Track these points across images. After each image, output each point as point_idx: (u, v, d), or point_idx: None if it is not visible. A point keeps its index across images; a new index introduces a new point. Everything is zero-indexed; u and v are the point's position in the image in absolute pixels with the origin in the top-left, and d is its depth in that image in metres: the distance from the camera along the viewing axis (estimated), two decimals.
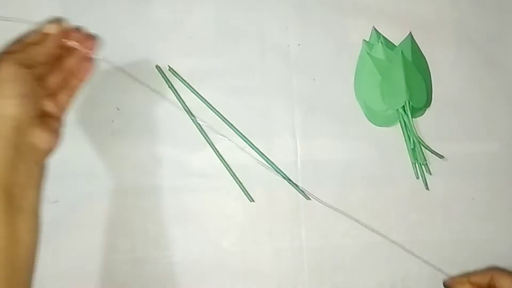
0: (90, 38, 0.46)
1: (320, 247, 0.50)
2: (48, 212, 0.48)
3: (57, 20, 0.45)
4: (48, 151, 0.41)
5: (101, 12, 0.51)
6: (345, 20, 0.53)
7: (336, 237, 0.49)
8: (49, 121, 0.42)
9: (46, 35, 0.42)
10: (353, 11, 0.53)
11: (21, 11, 0.51)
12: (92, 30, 0.51)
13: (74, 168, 0.49)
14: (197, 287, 0.48)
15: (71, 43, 0.44)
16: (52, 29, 0.42)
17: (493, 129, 0.53)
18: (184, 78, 0.51)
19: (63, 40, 0.43)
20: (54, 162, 0.49)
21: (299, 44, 0.52)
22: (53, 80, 0.44)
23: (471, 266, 0.50)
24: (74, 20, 0.51)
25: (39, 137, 0.39)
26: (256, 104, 0.51)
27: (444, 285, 0.46)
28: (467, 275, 0.45)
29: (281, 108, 0.51)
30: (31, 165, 0.39)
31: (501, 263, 0.50)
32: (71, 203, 0.49)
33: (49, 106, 0.43)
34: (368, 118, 0.51)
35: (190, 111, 0.49)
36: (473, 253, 0.50)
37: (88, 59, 0.46)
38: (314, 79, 0.52)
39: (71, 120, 0.50)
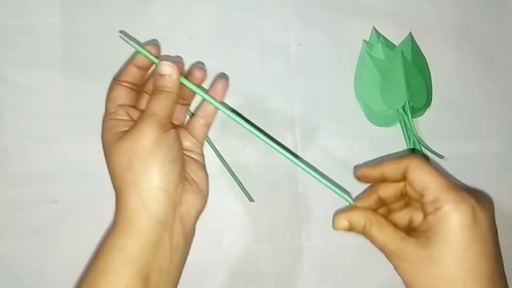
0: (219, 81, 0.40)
1: (320, 247, 0.50)
2: (48, 212, 0.49)
3: (168, 59, 0.37)
4: (199, 213, 0.37)
5: (101, 12, 0.51)
6: (345, 20, 0.53)
7: (336, 237, 0.49)
8: (196, 174, 0.37)
9: (165, 77, 0.35)
10: (353, 11, 0.53)
11: (21, 11, 0.51)
12: (92, 30, 0.51)
13: (74, 168, 0.49)
14: (197, 287, 0.48)
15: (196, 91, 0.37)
16: (167, 70, 0.35)
17: (493, 129, 0.53)
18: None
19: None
20: (54, 162, 0.49)
21: (299, 44, 0.52)
22: (181, 112, 0.39)
23: None
24: (74, 20, 0.51)
25: (192, 201, 0.35)
26: (256, 104, 0.51)
27: (355, 176, 0.38)
28: (379, 164, 0.36)
29: (281, 108, 0.51)
30: (178, 242, 0.34)
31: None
32: (71, 203, 0.49)
33: (187, 141, 0.38)
34: (368, 118, 0.52)
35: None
36: None
37: (220, 79, 0.41)
38: (314, 79, 0.52)
39: (71, 119, 0.50)
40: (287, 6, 0.53)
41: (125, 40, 0.40)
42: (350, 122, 0.51)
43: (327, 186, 0.37)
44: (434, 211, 0.31)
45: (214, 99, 0.38)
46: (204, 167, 0.39)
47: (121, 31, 0.44)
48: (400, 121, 0.50)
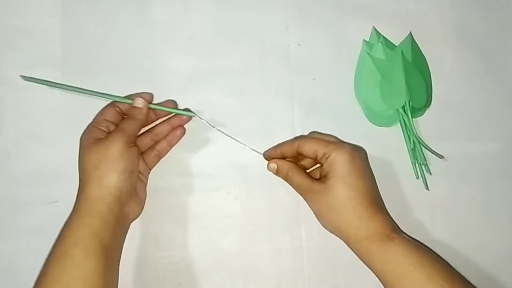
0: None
1: (320, 247, 0.50)
2: (48, 212, 0.49)
3: (144, 94, 0.48)
4: (133, 220, 0.46)
5: (101, 12, 0.51)
6: (345, 20, 0.53)
7: (336, 237, 0.49)
8: (140, 190, 0.47)
9: (135, 109, 0.46)
10: (353, 11, 0.53)
11: (21, 11, 0.51)
12: (92, 30, 0.51)
13: (74, 168, 0.49)
14: (197, 287, 0.48)
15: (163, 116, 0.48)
16: (140, 103, 0.46)
17: (493, 129, 0.53)
18: (184, 78, 0.51)
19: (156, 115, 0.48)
20: (54, 162, 0.49)
21: (299, 44, 0.52)
22: (145, 141, 0.48)
23: (472, 266, 0.50)
24: (74, 20, 0.51)
25: (133, 208, 0.45)
26: (256, 104, 0.51)
27: (264, 157, 0.48)
28: (278, 146, 0.48)
29: (281, 108, 0.51)
30: (122, 231, 0.44)
31: (501, 263, 0.50)
32: (71, 203, 0.49)
33: (141, 165, 0.47)
34: (368, 118, 0.52)
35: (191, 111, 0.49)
36: (473, 253, 0.50)
37: (180, 127, 0.49)
38: (314, 79, 0.52)
39: (71, 119, 0.50)
40: (287, 6, 0.53)
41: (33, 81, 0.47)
42: (350, 122, 0.51)
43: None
44: (325, 160, 0.44)
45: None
46: (145, 188, 0.48)
47: (22, 76, 0.47)
48: (400, 121, 0.50)
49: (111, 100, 0.47)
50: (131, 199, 0.44)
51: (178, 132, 0.48)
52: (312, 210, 0.46)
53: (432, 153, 0.49)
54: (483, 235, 0.51)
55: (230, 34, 0.52)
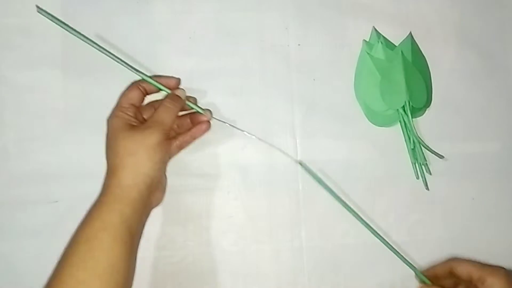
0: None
1: (320, 247, 0.50)
2: (48, 212, 0.49)
3: (173, 79, 0.48)
4: (155, 207, 0.46)
5: (101, 12, 0.51)
6: (345, 20, 0.53)
7: (336, 237, 0.49)
8: (163, 179, 0.47)
9: (176, 98, 0.45)
10: (353, 11, 0.53)
11: (21, 10, 0.51)
12: (92, 30, 0.51)
13: (74, 168, 0.49)
14: (197, 287, 0.48)
15: (200, 111, 0.47)
16: (182, 94, 0.46)
17: (493, 129, 0.53)
18: (184, 78, 0.51)
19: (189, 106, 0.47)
20: (54, 162, 0.49)
21: (299, 44, 0.52)
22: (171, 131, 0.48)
23: None
24: (74, 19, 0.51)
25: (157, 196, 0.45)
26: (256, 104, 0.51)
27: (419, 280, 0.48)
28: (432, 268, 0.48)
29: (281, 108, 0.51)
30: (146, 218, 0.44)
31: (501, 263, 0.50)
32: (71, 203, 0.49)
33: None
34: (368, 118, 0.52)
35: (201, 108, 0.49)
36: (473, 253, 0.50)
37: (207, 122, 0.48)
38: (314, 79, 0.52)
39: (71, 119, 0.50)
40: (287, 6, 0.53)
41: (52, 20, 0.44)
42: (350, 122, 0.51)
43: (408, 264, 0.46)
44: (482, 285, 0.44)
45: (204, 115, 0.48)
46: (165, 190, 0.48)
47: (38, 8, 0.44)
48: (400, 121, 0.50)
49: (145, 78, 0.45)
50: (156, 189, 0.45)
51: (204, 126, 0.48)
52: None
53: (432, 153, 0.49)
54: (483, 235, 0.51)
55: (230, 34, 0.52)
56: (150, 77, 0.46)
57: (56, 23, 0.44)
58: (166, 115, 0.44)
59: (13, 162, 0.49)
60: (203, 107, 0.48)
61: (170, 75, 0.51)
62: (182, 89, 0.46)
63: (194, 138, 0.48)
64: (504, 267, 0.46)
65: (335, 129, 0.51)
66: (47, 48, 0.51)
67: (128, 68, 0.45)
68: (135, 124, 0.44)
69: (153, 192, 0.43)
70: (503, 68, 0.54)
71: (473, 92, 0.53)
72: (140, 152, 0.42)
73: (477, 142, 0.52)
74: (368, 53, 0.51)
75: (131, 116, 0.44)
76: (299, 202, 0.50)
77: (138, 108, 0.46)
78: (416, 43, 0.52)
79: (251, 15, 0.52)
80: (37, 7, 0.43)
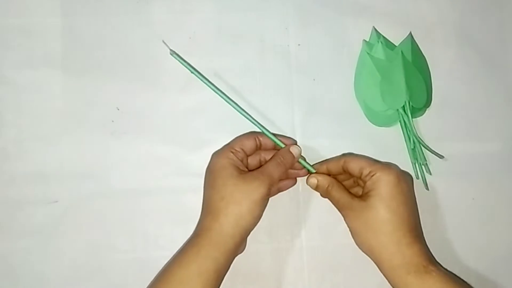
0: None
1: (320, 247, 0.50)
2: (48, 212, 0.49)
3: (291, 140, 0.48)
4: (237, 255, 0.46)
5: (101, 12, 0.51)
6: (345, 20, 0.53)
7: (336, 237, 0.49)
8: None
9: (289, 155, 0.46)
10: (353, 11, 0.53)
11: (21, 11, 0.51)
12: (92, 30, 0.51)
13: (74, 168, 0.49)
14: None
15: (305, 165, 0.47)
16: (297, 153, 0.46)
17: (493, 129, 0.53)
18: (184, 78, 0.51)
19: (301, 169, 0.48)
20: (54, 162, 0.49)
21: (299, 44, 0.52)
22: None
23: (472, 266, 0.50)
24: (74, 20, 0.51)
25: (243, 248, 0.46)
26: (256, 104, 0.51)
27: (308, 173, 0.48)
28: (325, 162, 0.48)
29: (281, 108, 0.51)
30: (229, 267, 0.44)
31: (501, 263, 0.50)
32: (71, 203, 0.49)
33: None
34: (368, 118, 0.51)
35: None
36: (473, 253, 0.50)
37: (294, 179, 0.49)
38: (314, 79, 0.52)
39: (71, 119, 0.50)
40: (287, 6, 0.53)
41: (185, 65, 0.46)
42: (350, 122, 0.51)
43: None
44: (370, 178, 0.43)
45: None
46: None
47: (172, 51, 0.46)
48: (400, 121, 0.50)
49: (264, 131, 0.46)
50: (244, 240, 0.45)
51: (291, 183, 0.49)
52: (348, 226, 0.45)
53: (432, 153, 0.49)
54: (483, 235, 0.51)
55: (230, 34, 0.52)
56: (269, 132, 0.46)
57: (186, 67, 0.46)
58: (275, 170, 0.44)
59: (13, 162, 0.49)
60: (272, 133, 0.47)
61: (169, 76, 0.51)
62: (298, 146, 0.46)
63: (279, 191, 0.49)
64: (398, 165, 0.47)
65: (335, 129, 0.51)
66: (47, 48, 0.51)
67: (249, 119, 0.46)
68: (241, 169, 0.44)
69: (242, 243, 0.44)
70: (503, 68, 0.53)
71: (473, 92, 0.53)
72: (244, 204, 0.42)
73: (477, 142, 0.52)
74: (368, 53, 0.51)
75: (240, 161, 0.45)
76: (299, 202, 0.50)
77: (247, 157, 0.46)
78: (416, 43, 0.52)
79: (251, 15, 0.52)
80: (171, 50, 0.45)
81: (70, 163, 0.49)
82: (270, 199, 0.49)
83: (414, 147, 0.50)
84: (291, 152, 0.46)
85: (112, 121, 0.50)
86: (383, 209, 0.42)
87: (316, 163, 0.48)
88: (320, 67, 0.52)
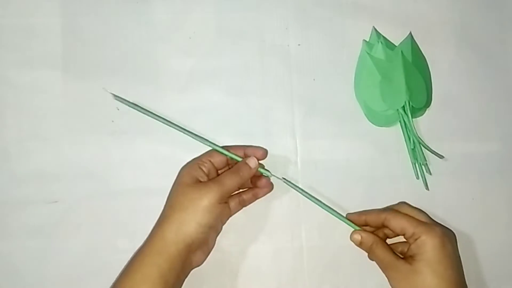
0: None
1: (320, 247, 0.50)
2: (48, 212, 0.49)
3: (260, 150, 0.47)
4: (195, 267, 0.46)
5: (101, 12, 0.52)
6: (345, 20, 0.53)
7: (336, 237, 0.49)
8: (211, 240, 0.46)
9: (245, 166, 0.45)
10: (353, 11, 0.53)
11: (21, 11, 0.51)
12: (92, 30, 0.51)
13: (74, 168, 0.49)
14: (197, 287, 0.48)
15: (266, 174, 0.47)
16: (253, 164, 0.45)
17: (493, 129, 0.53)
18: (184, 78, 0.51)
19: (260, 172, 0.47)
20: (54, 162, 0.49)
21: (299, 44, 0.52)
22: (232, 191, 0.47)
23: (472, 266, 0.50)
24: (74, 20, 0.51)
25: (198, 257, 0.45)
26: (256, 104, 0.51)
27: (347, 217, 0.47)
28: (363, 213, 0.47)
29: (281, 108, 0.51)
30: (184, 277, 0.44)
31: (501, 263, 0.50)
32: (71, 203, 0.49)
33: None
34: (368, 118, 0.51)
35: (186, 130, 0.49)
36: (473, 253, 0.50)
37: (270, 184, 0.48)
38: (314, 79, 0.52)
39: (71, 119, 0.50)
40: (287, 6, 0.53)
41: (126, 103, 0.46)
42: (350, 122, 0.51)
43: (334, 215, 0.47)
44: (414, 241, 0.43)
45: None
46: (216, 237, 0.47)
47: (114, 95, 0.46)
48: (400, 121, 0.50)
49: (219, 150, 0.46)
50: (199, 249, 0.44)
51: (267, 189, 0.48)
52: (392, 286, 0.44)
53: (432, 153, 0.49)
54: (483, 235, 0.51)
55: (230, 34, 0.52)
56: (222, 147, 0.46)
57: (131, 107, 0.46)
58: (229, 180, 0.44)
59: (13, 162, 0.49)
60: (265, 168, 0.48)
61: (169, 76, 0.51)
62: (255, 159, 0.46)
63: (256, 197, 0.48)
64: (443, 224, 0.46)
65: (335, 129, 0.51)
66: (47, 48, 0.51)
67: (201, 141, 0.46)
68: (201, 180, 0.44)
69: (193, 252, 0.43)
70: (503, 68, 0.53)
71: (473, 92, 0.53)
72: (189, 210, 0.42)
73: (477, 142, 0.52)
74: (368, 53, 0.51)
75: (203, 172, 0.45)
76: (299, 202, 0.50)
77: (217, 170, 0.47)
78: (416, 43, 0.52)
79: (251, 15, 0.52)
80: (113, 95, 0.46)
81: (70, 163, 0.49)
82: (270, 199, 0.50)
83: (414, 147, 0.50)
84: (247, 164, 0.45)
85: (112, 121, 0.50)
86: (429, 275, 0.41)
87: (354, 213, 0.48)
88: (320, 67, 0.52)
